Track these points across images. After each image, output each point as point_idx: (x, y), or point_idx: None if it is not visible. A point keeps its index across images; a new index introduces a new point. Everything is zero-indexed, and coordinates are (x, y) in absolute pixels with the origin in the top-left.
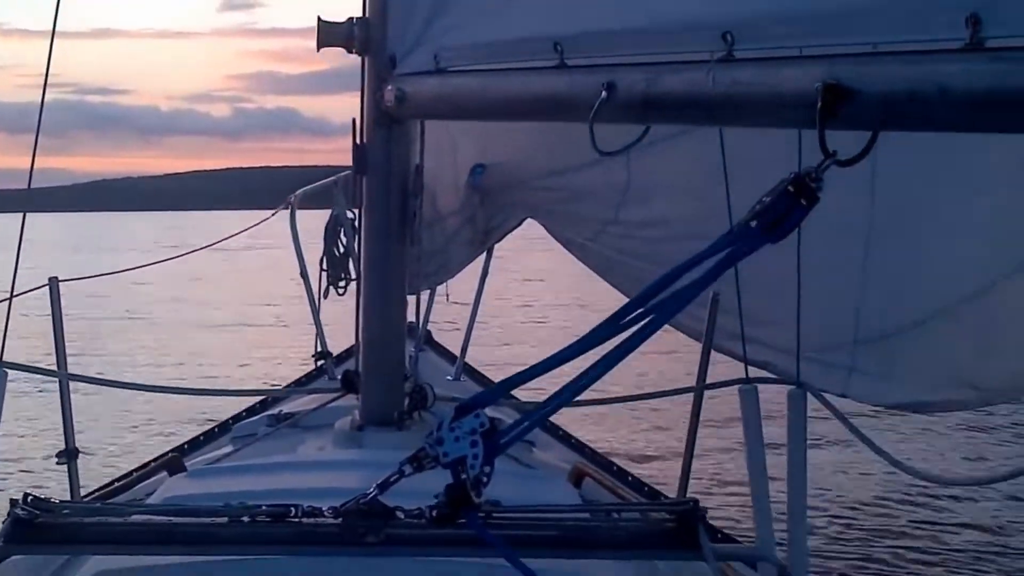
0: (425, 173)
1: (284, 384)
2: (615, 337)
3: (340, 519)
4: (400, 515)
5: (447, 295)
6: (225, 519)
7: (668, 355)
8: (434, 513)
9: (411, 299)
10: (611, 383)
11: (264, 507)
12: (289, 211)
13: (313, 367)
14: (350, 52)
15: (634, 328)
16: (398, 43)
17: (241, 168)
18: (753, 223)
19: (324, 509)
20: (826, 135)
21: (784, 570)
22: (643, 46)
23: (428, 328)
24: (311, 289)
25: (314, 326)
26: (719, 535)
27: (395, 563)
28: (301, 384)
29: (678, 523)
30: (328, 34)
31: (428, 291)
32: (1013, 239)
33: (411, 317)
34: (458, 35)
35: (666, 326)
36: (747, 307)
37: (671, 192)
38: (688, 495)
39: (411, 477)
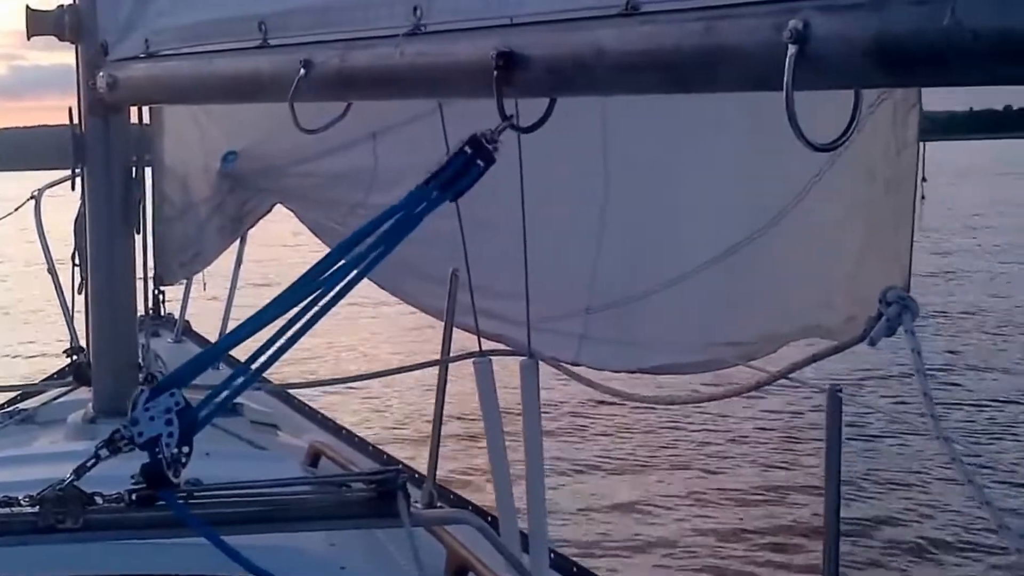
0: (174, 160)
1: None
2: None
3: (36, 507)
4: (99, 500)
5: (204, 284)
6: None
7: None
8: (133, 496)
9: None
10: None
11: None
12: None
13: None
14: (62, 40)
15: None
16: (109, 29)
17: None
18: (432, 182)
19: (20, 498)
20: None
21: (524, 535)
22: (341, 22)
23: (187, 319)
24: (59, 284)
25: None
26: (451, 497)
27: (98, 549)
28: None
29: (378, 493)
30: (37, 22)
31: (184, 281)
32: (756, 198)
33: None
34: (168, 19)
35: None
36: (484, 281)
37: (417, 175)
38: (439, 468)
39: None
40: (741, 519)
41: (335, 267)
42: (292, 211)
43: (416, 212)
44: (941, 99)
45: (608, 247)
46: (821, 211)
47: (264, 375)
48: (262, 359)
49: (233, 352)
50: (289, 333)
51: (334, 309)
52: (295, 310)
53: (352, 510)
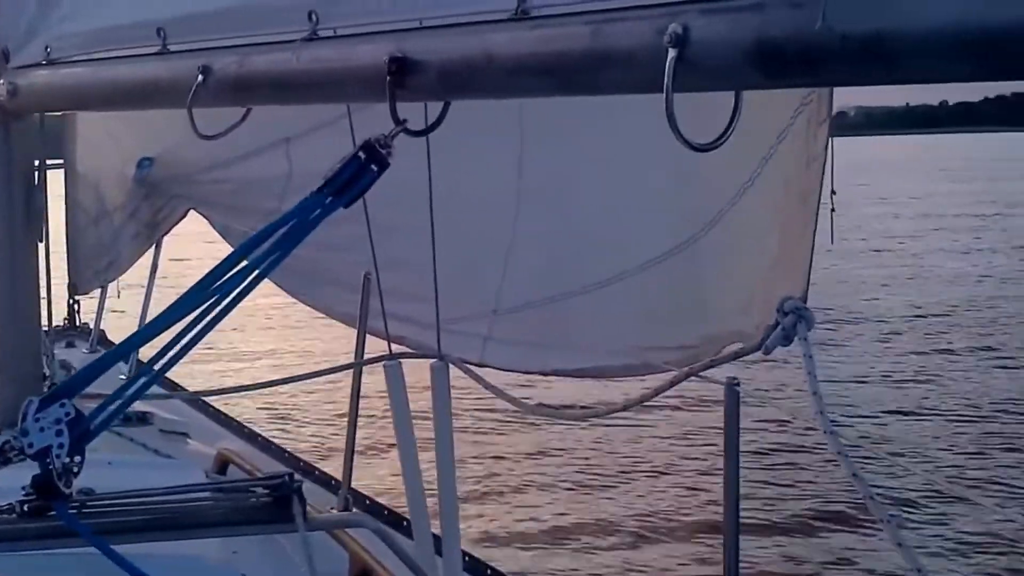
0: (87, 167)
1: None
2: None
3: None
4: None
5: (118, 292)
6: None
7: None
8: (24, 507)
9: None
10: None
11: None
12: None
13: None
14: None
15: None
16: (10, 36)
17: None
18: (325, 189)
19: None
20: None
21: (438, 539)
22: (240, 28)
23: (103, 328)
24: None
25: None
26: (367, 502)
27: None
28: None
29: (273, 498)
30: None
31: (100, 290)
32: (680, 205)
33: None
34: (69, 25)
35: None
36: (397, 285)
37: None
38: (354, 472)
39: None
40: (650, 517)
41: (233, 270)
42: (205, 217)
43: (311, 219)
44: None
45: (521, 250)
46: (742, 220)
47: (178, 383)
48: (161, 363)
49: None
50: (187, 338)
51: (251, 315)
52: (194, 314)
53: (246, 516)
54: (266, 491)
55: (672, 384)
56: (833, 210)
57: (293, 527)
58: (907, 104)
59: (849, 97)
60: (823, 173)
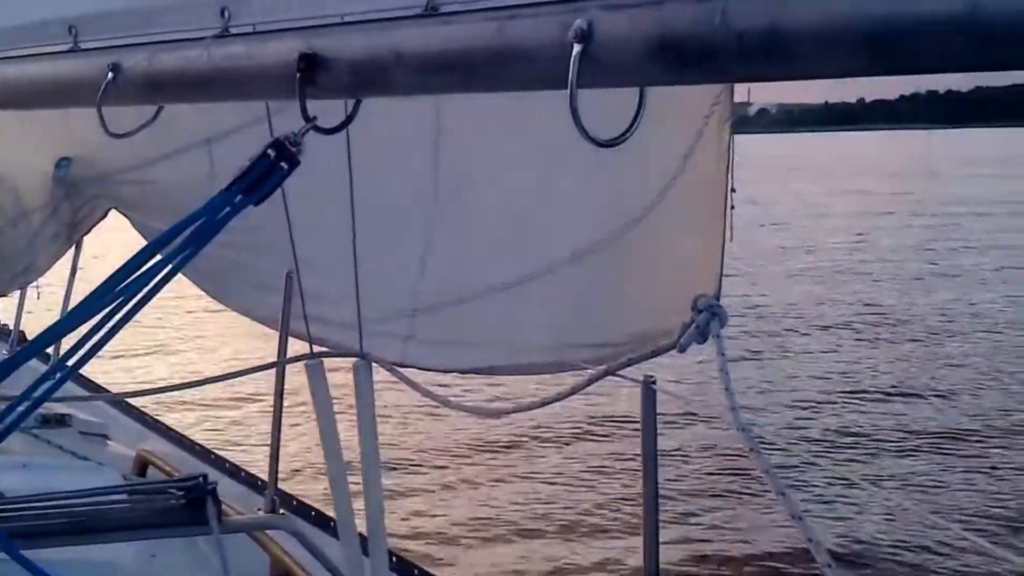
0: (5, 168)
1: None
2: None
3: None
4: None
5: (38, 293)
6: None
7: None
8: None
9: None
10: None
11: None
12: None
13: None
14: None
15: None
16: None
17: None
18: (234, 187)
19: None
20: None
21: (364, 538)
22: (151, 25)
23: (22, 329)
24: None
25: None
26: (294, 503)
27: None
28: None
29: (187, 500)
30: None
31: (19, 291)
32: (602, 204)
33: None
34: None
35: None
36: (319, 286)
37: None
38: (280, 472)
39: None
40: (569, 515)
41: (145, 267)
42: (126, 216)
43: (220, 216)
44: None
45: (438, 249)
46: (662, 218)
47: (100, 385)
48: (73, 360)
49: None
50: (99, 334)
51: (174, 314)
52: (107, 310)
53: (160, 519)
54: (181, 493)
55: (590, 382)
56: (732, 207)
57: (208, 529)
58: (825, 102)
59: (770, 95)
60: (729, 171)
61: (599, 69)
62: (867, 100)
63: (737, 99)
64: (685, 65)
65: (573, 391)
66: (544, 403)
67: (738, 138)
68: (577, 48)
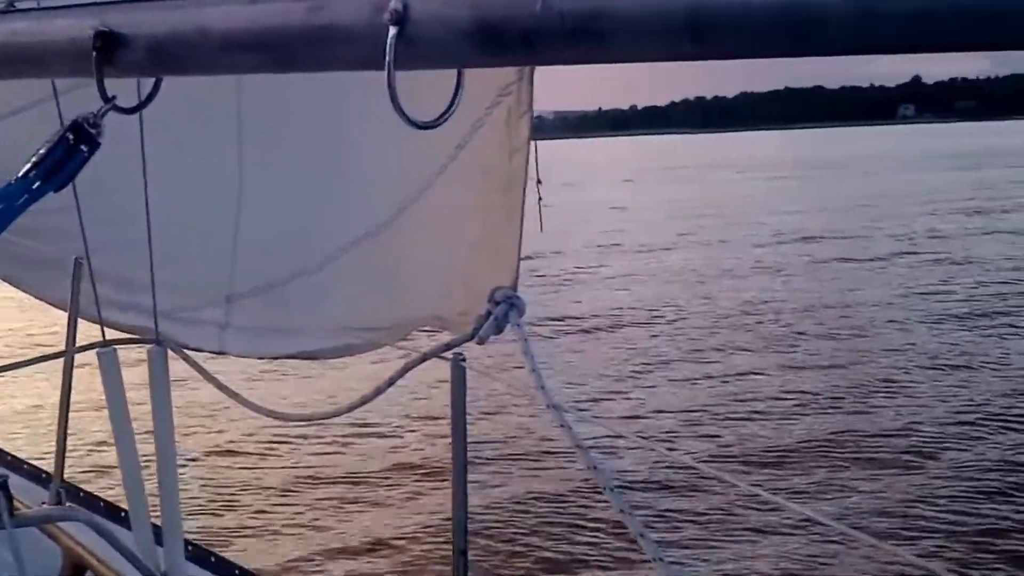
0: None
1: None
2: None
3: None
4: None
5: None
6: None
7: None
8: None
9: None
10: None
11: None
12: None
13: None
14: None
15: None
16: None
17: None
18: (32, 173)
19: None
20: None
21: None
22: None
23: None
24: None
25: None
26: (81, 495)
27: None
28: None
29: None
30: None
31: None
32: (390, 187)
33: None
34: None
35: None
36: (119, 272)
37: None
38: (68, 464)
39: None
40: (378, 494)
41: None
42: None
43: (17, 204)
44: (571, 100)
45: (246, 234)
46: (443, 204)
47: None
48: None
49: None
50: None
51: None
52: None
53: None
54: None
55: (405, 371)
56: (540, 199)
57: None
58: (599, 108)
59: (546, 103)
60: (527, 164)
61: (416, 51)
62: (639, 107)
63: None
64: (504, 47)
65: (390, 383)
66: (364, 401)
67: None
68: (393, 30)
